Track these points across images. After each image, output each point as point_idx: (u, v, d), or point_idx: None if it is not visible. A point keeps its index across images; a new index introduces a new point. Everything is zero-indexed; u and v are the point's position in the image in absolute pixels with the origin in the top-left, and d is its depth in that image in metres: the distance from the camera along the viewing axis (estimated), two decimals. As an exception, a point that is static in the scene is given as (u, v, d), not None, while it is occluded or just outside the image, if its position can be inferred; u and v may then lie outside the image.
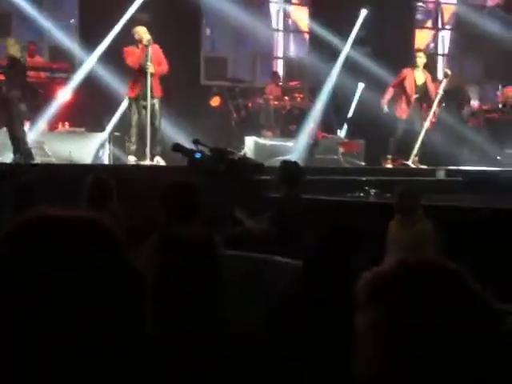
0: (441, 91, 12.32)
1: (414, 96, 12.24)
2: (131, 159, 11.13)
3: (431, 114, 12.37)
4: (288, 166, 6.72)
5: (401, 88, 12.29)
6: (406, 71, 12.33)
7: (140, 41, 10.96)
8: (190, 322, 4.32)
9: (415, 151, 12.26)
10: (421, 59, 12.26)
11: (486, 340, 1.21)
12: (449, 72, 12.53)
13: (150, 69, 10.84)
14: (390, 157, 12.48)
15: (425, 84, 12.29)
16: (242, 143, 12.85)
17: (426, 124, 12.37)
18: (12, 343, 1.04)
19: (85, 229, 1.11)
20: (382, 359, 1.20)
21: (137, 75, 10.99)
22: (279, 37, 16.27)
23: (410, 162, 12.26)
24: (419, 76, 12.28)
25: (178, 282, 4.38)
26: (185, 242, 4.37)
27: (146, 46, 10.87)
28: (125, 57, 11.06)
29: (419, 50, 12.52)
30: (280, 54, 16.31)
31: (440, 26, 17.35)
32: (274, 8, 16.10)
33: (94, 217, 1.14)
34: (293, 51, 16.45)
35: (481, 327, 1.22)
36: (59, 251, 1.08)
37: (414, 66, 12.31)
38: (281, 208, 6.23)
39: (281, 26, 16.24)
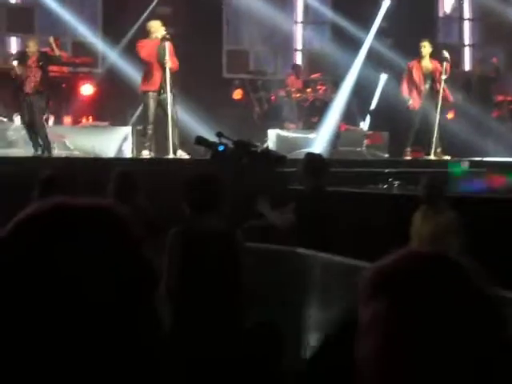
0: (443, 76, 12.27)
1: (424, 85, 12.28)
2: (145, 153, 11.15)
3: (439, 100, 12.30)
4: (312, 157, 6.68)
5: (411, 80, 12.38)
6: (412, 63, 12.49)
7: (156, 35, 10.97)
8: (211, 314, 4.33)
9: (434, 143, 12.20)
10: (425, 49, 12.35)
11: (488, 342, 1.19)
12: (447, 55, 12.40)
13: (168, 63, 10.84)
14: (409, 149, 12.52)
15: (433, 72, 12.30)
16: (264, 136, 12.85)
17: (438, 113, 12.28)
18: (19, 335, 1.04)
19: (98, 216, 1.10)
20: (385, 353, 1.18)
21: (151, 69, 10.98)
22: (301, 29, 16.20)
23: (431, 157, 12.20)
24: (426, 65, 12.35)
25: (200, 275, 4.39)
26: (206, 236, 4.38)
27: (162, 41, 10.88)
28: (138, 50, 11.07)
29: (423, 40, 12.49)
30: (301, 46, 16.25)
31: (465, 16, 17.21)
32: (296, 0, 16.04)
33: (108, 205, 1.13)
34: (315, 43, 16.38)
35: (484, 329, 1.20)
36: (72, 238, 1.07)
37: (419, 56, 12.37)
38: (305, 200, 6.21)
39: (303, 18, 16.17)
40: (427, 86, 12.33)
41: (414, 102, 12.35)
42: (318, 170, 6.34)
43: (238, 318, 4.34)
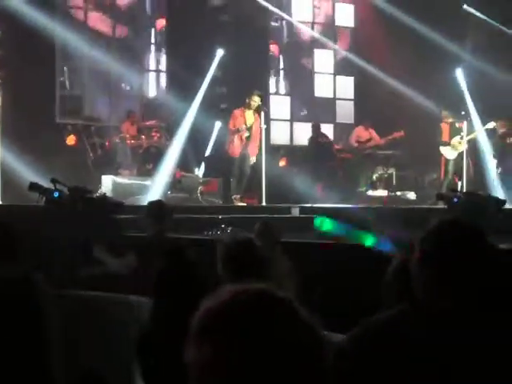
0: (263, 125, 12.66)
1: (245, 135, 12.60)
2: None
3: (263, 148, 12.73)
4: (155, 204, 6.82)
5: (234, 128, 12.67)
6: (238, 112, 12.76)
7: None
8: (9, 369, 4.15)
9: (264, 190, 12.49)
10: (255, 103, 12.66)
11: (315, 370, 1.25)
12: (255, 103, 12.76)
13: None
14: (238, 197, 12.75)
15: (254, 123, 12.71)
16: (99, 182, 12.71)
17: (253, 160, 12.65)
18: None
19: None
20: None
21: None
22: (137, 76, 16.21)
23: (263, 203, 12.49)
24: (250, 116, 12.71)
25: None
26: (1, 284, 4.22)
27: None
28: None
29: (256, 94, 12.85)
30: (138, 92, 16.28)
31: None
32: (135, 47, 16.06)
33: None
34: (150, 90, 16.48)
35: (310, 356, 1.24)
36: None
37: (247, 107, 12.69)
38: (148, 246, 6.22)
39: (139, 66, 16.20)
40: (247, 135, 12.64)
41: (234, 149, 12.62)
42: (161, 216, 6.44)
43: (46, 371, 4.20)
